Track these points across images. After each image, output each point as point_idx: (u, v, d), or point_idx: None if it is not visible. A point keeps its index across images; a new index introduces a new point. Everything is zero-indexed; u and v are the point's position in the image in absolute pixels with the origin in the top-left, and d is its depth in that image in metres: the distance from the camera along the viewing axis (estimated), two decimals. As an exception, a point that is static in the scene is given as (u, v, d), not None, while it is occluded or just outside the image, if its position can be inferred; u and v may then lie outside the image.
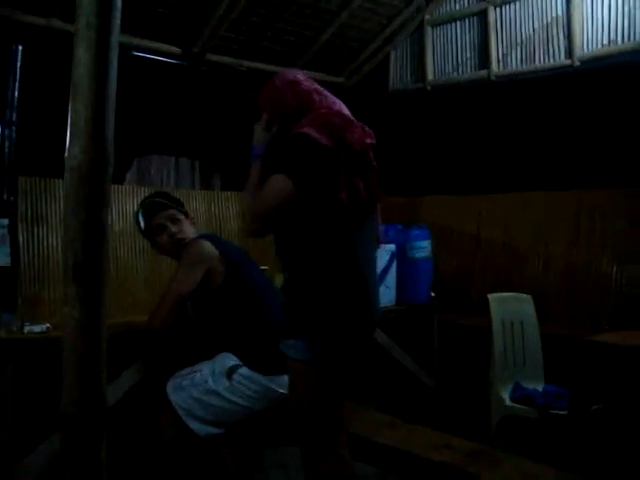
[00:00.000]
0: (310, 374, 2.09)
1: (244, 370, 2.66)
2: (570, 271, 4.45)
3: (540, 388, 3.43)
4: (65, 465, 1.62)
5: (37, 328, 3.13)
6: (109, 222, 1.63)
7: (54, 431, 2.46)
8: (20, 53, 3.89)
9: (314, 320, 2.07)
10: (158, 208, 2.93)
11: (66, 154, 1.56)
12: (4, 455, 2.87)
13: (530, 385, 3.46)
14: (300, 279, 2.13)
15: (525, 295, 3.78)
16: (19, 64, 3.89)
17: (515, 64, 4.84)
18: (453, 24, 5.24)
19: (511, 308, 3.66)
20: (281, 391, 2.57)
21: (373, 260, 2.27)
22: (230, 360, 2.70)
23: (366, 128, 2.25)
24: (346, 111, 2.27)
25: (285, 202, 2.03)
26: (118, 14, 1.58)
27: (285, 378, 2.29)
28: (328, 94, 2.28)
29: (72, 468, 1.61)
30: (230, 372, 2.66)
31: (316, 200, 2.07)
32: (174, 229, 2.90)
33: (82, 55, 1.54)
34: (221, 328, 2.83)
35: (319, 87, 2.29)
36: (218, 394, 2.65)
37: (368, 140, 2.20)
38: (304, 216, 2.09)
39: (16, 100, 3.89)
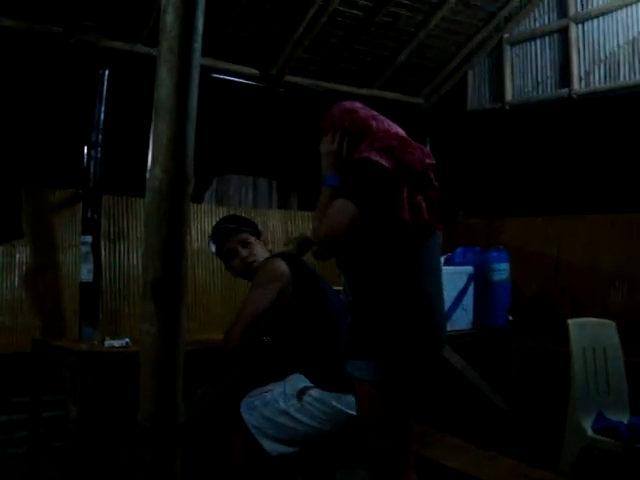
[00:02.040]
0: (376, 395, 2.10)
1: (315, 391, 2.65)
2: (658, 297, 4.26)
3: (625, 420, 3.26)
4: (140, 477, 1.65)
5: (117, 343, 3.22)
6: (188, 241, 1.66)
7: (131, 443, 2.51)
8: (106, 77, 4.05)
9: (379, 341, 2.09)
10: (229, 233, 3.00)
11: (147, 174, 1.60)
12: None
13: (614, 416, 3.30)
14: (365, 300, 2.16)
15: (608, 321, 3.62)
16: (105, 88, 4.04)
17: (598, 82, 4.69)
18: (533, 42, 5.14)
19: (593, 334, 3.52)
20: (351, 412, 2.55)
21: (438, 280, 2.28)
22: (301, 381, 2.70)
23: (425, 149, 2.28)
24: (403, 134, 2.31)
25: (349, 226, 2.07)
26: (199, 38, 1.63)
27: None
28: (384, 118, 2.34)
29: (147, 481, 1.64)
30: (301, 393, 2.66)
31: (380, 222, 2.11)
32: (245, 253, 2.96)
33: (164, 77, 1.58)
34: (293, 347, 2.83)
35: (375, 113, 2.36)
36: (288, 414, 2.66)
37: (427, 160, 2.23)
38: (368, 238, 2.12)
39: (102, 122, 4.04)
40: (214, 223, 3.29)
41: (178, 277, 1.59)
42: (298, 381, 2.71)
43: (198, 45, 1.63)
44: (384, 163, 2.08)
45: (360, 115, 2.31)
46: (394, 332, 2.09)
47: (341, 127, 2.29)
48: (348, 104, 2.38)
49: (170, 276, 1.58)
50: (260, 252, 2.99)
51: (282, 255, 2.94)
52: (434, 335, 2.19)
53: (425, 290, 2.16)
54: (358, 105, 2.37)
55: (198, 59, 1.62)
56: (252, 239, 3.01)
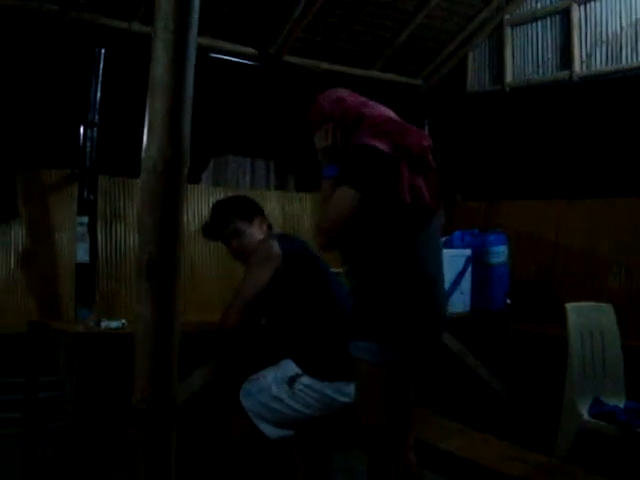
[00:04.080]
0: (380, 375, 2.12)
1: (305, 379, 2.64)
2: (655, 281, 4.25)
3: (621, 404, 3.27)
4: (136, 459, 1.64)
5: (113, 324, 3.20)
6: (184, 222, 1.64)
7: (126, 425, 2.51)
8: (102, 56, 4.00)
9: (385, 322, 2.10)
10: (218, 229, 2.98)
11: (143, 153, 1.58)
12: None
13: (610, 400, 3.30)
14: (369, 283, 2.16)
15: (606, 305, 3.61)
16: (101, 67, 4.00)
17: (600, 64, 4.65)
18: (534, 23, 5.08)
19: (590, 318, 3.51)
20: (342, 399, 2.57)
21: (440, 260, 2.29)
22: (291, 368, 2.69)
23: (422, 131, 2.28)
24: (397, 117, 2.29)
25: (352, 213, 2.08)
26: (196, 15, 1.59)
27: (348, 386, 2.40)
28: (375, 103, 2.32)
29: (143, 462, 1.63)
30: (291, 381, 2.66)
31: (382, 204, 2.11)
32: (235, 243, 2.94)
33: (160, 55, 1.55)
34: (286, 331, 2.82)
35: (364, 99, 2.34)
36: (281, 401, 2.65)
37: (425, 142, 2.22)
38: (370, 221, 2.12)
39: (98, 102, 4.00)
40: (211, 204, 3.25)
41: (173, 257, 1.57)
42: (288, 368, 2.70)
43: (194, 21, 1.59)
44: (381, 147, 2.08)
45: (349, 103, 2.28)
46: (399, 313, 2.10)
47: (332, 118, 2.27)
48: (334, 94, 2.34)
49: (165, 256, 1.55)
50: (254, 236, 2.93)
51: (277, 236, 2.91)
52: (437, 316, 2.20)
53: (428, 271, 2.17)
54: (345, 93, 2.34)
55: (194, 36, 1.59)
56: (243, 226, 2.95)
